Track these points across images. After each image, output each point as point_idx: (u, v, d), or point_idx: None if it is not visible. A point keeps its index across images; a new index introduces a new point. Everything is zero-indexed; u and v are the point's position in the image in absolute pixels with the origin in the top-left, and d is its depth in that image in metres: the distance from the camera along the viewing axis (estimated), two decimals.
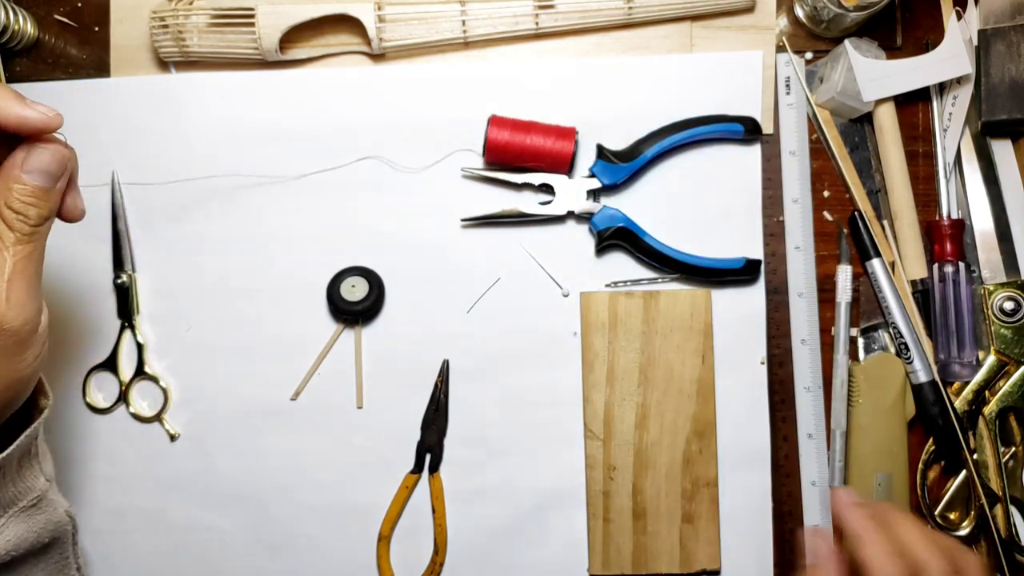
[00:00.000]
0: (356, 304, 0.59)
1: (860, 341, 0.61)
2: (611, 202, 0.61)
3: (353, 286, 0.59)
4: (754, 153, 0.61)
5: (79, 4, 0.63)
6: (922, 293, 0.61)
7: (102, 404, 0.62)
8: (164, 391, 0.61)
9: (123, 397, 0.61)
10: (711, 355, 0.59)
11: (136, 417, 0.61)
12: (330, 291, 0.60)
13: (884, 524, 0.47)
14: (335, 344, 0.61)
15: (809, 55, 0.63)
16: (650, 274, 0.61)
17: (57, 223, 0.44)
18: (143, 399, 0.62)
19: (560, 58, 0.62)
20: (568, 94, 0.61)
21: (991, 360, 0.60)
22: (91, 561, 0.61)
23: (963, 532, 0.59)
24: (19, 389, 0.43)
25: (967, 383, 0.60)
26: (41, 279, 0.42)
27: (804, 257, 0.61)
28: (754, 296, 0.61)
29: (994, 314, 0.60)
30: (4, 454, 0.43)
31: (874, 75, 0.59)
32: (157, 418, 0.61)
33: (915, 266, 0.61)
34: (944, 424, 0.59)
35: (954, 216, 0.61)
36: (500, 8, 0.60)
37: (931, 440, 0.60)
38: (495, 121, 0.59)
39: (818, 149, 0.62)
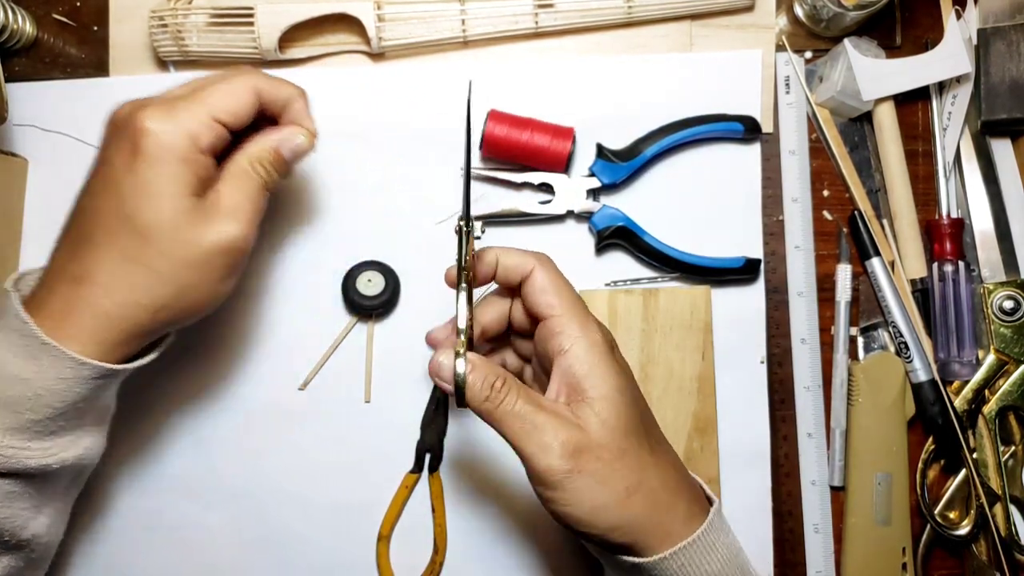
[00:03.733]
0: (372, 298, 0.59)
1: (860, 340, 0.61)
2: (611, 201, 0.61)
3: (369, 280, 0.59)
4: (754, 152, 0.61)
5: (78, 3, 0.63)
6: (922, 292, 0.61)
7: None
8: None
9: None
10: (711, 352, 0.59)
11: None
12: (345, 284, 0.60)
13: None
14: (337, 338, 0.61)
15: (809, 54, 0.63)
16: (650, 273, 0.61)
17: None
18: None
19: (560, 57, 0.62)
20: (568, 93, 0.61)
21: (991, 359, 0.60)
22: (91, 561, 0.61)
23: (963, 531, 0.59)
24: (210, 307, 0.49)
25: (967, 382, 0.60)
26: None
27: (804, 256, 0.61)
28: (754, 295, 0.61)
29: (994, 313, 0.60)
30: (144, 360, 0.49)
31: (874, 74, 0.59)
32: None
33: (915, 265, 0.61)
34: (944, 423, 0.59)
35: (954, 215, 0.61)
36: (499, 7, 0.60)
37: (931, 439, 0.60)
38: (493, 116, 0.59)
39: (818, 148, 0.63)
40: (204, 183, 0.47)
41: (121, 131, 0.46)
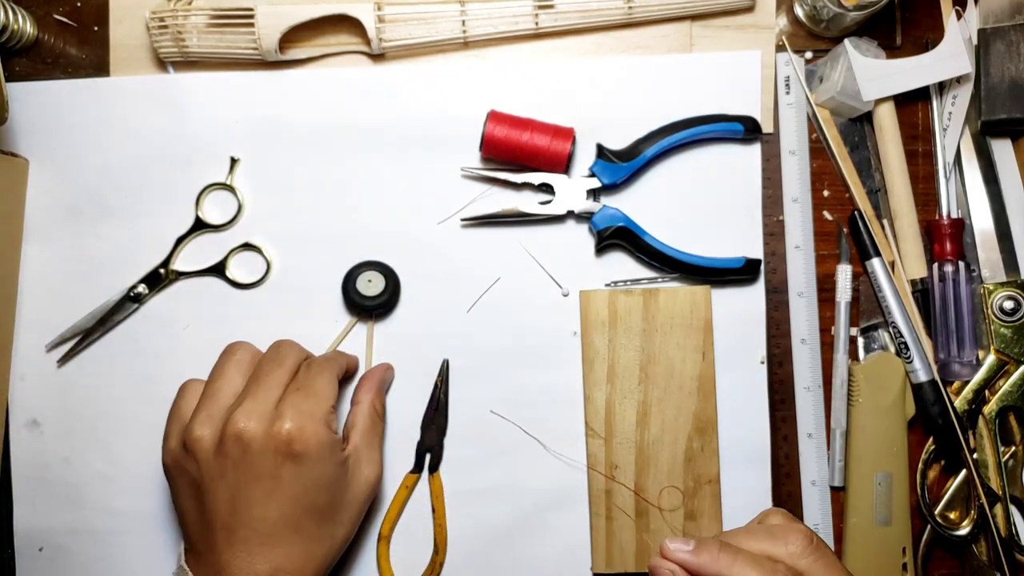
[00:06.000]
0: (373, 299, 0.59)
1: (860, 341, 0.62)
2: (611, 201, 0.61)
3: (370, 280, 0.59)
4: (754, 153, 0.61)
5: (78, 4, 0.63)
6: (922, 292, 0.61)
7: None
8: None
9: None
10: (711, 351, 0.59)
11: None
12: (346, 284, 0.60)
13: (726, 546, 0.44)
14: (337, 338, 0.61)
15: (809, 54, 0.63)
16: (650, 274, 0.61)
17: None
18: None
19: (560, 58, 0.62)
20: (568, 93, 0.61)
21: (991, 359, 0.60)
22: (91, 561, 0.61)
23: (963, 531, 0.59)
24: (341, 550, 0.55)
25: (967, 382, 0.60)
26: None
27: (804, 256, 0.61)
28: (754, 295, 0.61)
29: (994, 313, 0.60)
30: None
31: (874, 74, 0.59)
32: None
33: (915, 265, 0.61)
34: (944, 423, 0.59)
35: (954, 215, 0.61)
36: (500, 8, 0.60)
37: (931, 439, 0.60)
38: (493, 116, 0.59)
39: (818, 149, 0.63)
40: (342, 450, 0.54)
41: (284, 441, 0.50)
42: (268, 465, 0.50)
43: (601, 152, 0.60)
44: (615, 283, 0.61)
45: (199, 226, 0.62)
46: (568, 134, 0.59)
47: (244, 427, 0.50)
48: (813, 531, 0.45)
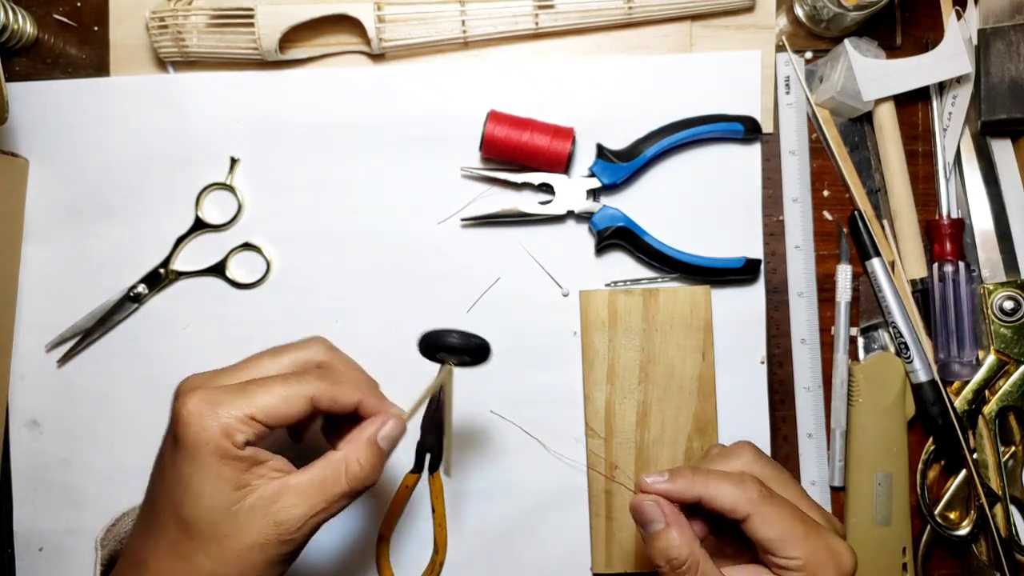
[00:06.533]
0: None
1: (860, 341, 0.62)
2: (611, 201, 0.61)
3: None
4: (754, 153, 0.61)
5: (78, 4, 0.63)
6: (922, 292, 0.61)
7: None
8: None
9: None
10: (711, 352, 0.59)
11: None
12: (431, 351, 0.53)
13: (698, 469, 0.47)
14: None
15: (809, 54, 0.63)
16: (650, 274, 0.61)
17: None
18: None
19: (560, 58, 0.62)
20: (568, 93, 0.61)
21: (991, 359, 0.60)
22: (91, 561, 0.61)
23: (963, 531, 0.59)
24: None
25: (967, 382, 0.60)
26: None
27: (804, 256, 0.61)
28: (754, 295, 0.61)
29: (994, 313, 0.60)
30: None
31: (874, 74, 0.59)
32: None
33: (915, 265, 0.61)
34: (944, 424, 0.59)
35: (954, 215, 0.61)
36: (500, 8, 0.60)
37: (931, 440, 0.60)
38: (493, 116, 0.59)
39: (818, 149, 0.63)
40: (249, 473, 0.44)
41: (173, 413, 0.43)
42: (166, 437, 0.44)
43: (601, 152, 0.60)
44: (615, 283, 0.61)
45: (199, 226, 0.62)
46: (568, 134, 0.59)
47: (180, 385, 0.45)
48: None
